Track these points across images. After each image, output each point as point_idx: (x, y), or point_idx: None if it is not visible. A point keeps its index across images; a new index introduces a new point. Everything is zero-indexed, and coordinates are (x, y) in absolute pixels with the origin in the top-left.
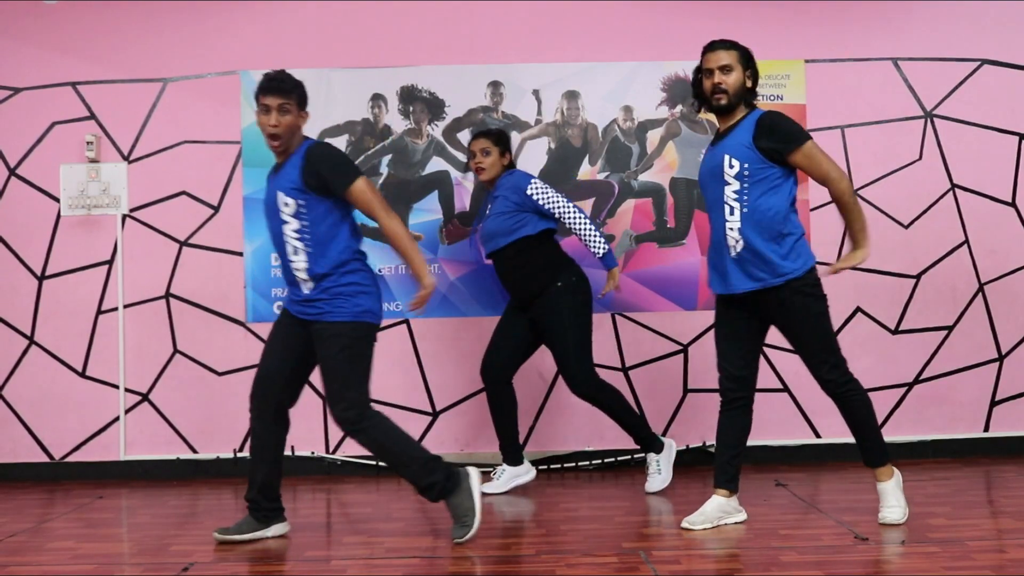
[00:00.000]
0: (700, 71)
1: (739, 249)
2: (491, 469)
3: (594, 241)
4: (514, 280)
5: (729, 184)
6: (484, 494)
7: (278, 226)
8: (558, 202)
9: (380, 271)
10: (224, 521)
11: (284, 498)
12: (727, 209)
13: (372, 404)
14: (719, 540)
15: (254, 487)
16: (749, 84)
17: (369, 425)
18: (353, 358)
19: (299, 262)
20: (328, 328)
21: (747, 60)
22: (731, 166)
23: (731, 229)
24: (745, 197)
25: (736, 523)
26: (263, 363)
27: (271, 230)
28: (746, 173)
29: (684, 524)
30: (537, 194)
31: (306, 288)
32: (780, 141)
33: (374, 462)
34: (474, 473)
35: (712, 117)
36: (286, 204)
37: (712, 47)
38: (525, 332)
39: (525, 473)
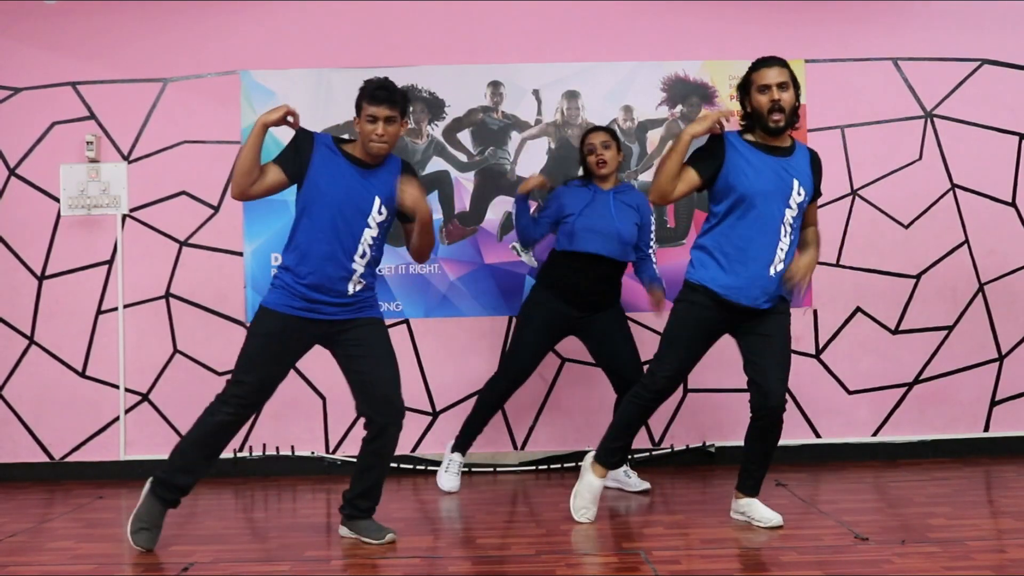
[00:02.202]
0: (746, 87)
1: (779, 269)
2: (491, 468)
3: (653, 263)
4: (601, 289)
5: (791, 209)
6: (449, 492)
7: (360, 226)
8: (651, 240)
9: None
10: (225, 521)
11: (283, 498)
12: (783, 231)
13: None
14: (719, 540)
15: (193, 476)
16: (797, 104)
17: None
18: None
19: (361, 264)
20: (379, 324)
21: (795, 80)
22: (799, 193)
23: (781, 250)
24: (796, 225)
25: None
26: (260, 373)
27: (342, 226)
28: (803, 204)
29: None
30: (648, 227)
31: (353, 288)
32: (818, 186)
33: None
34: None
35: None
36: (380, 212)
37: (768, 63)
38: (556, 341)
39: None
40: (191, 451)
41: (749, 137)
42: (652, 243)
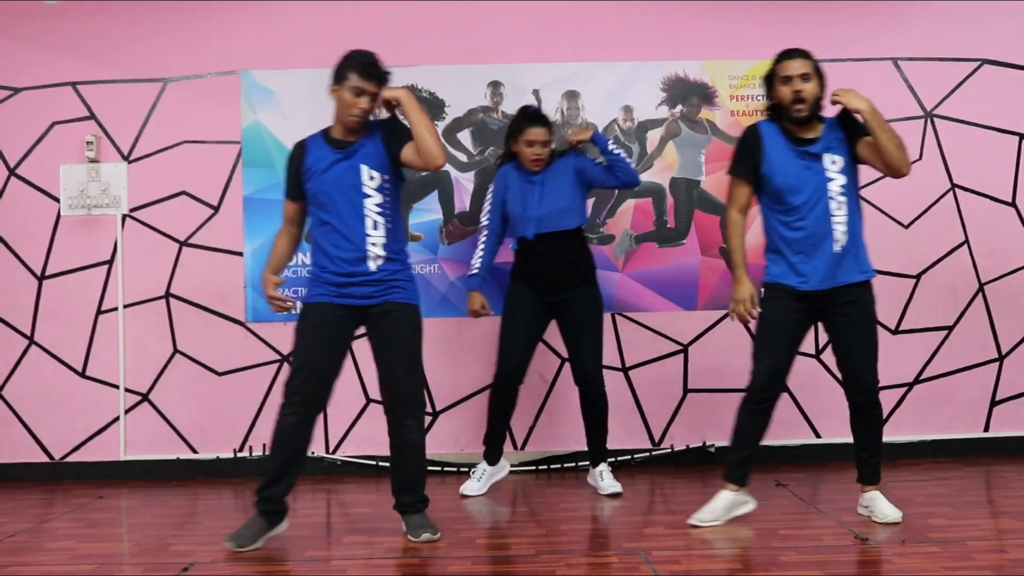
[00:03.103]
0: (771, 79)
1: (844, 243)
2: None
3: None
4: (561, 266)
5: (833, 179)
6: (464, 496)
7: (359, 200)
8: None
9: None
10: (225, 521)
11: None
12: (833, 204)
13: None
14: (719, 540)
15: (281, 485)
16: (820, 95)
17: (424, 416)
18: (421, 344)
19: (377, 237)
20: (405, 309)
21: (819, 71)
22: (834, 162)
23: (838, 222)
24: (849, 191)
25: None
26: (312, 361)
27: (344, 208)
28: (846, 167)
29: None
30: (592, 162)
31: (374, 264)
32: (851, 132)
33: (374, 462)
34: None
35: (714, 117)
36: (371, 177)
37: (791, 55)
38: (540, 330)
39: (501, 470)
40: (271, 461)
41: (779, 126)
42: (603, 158)
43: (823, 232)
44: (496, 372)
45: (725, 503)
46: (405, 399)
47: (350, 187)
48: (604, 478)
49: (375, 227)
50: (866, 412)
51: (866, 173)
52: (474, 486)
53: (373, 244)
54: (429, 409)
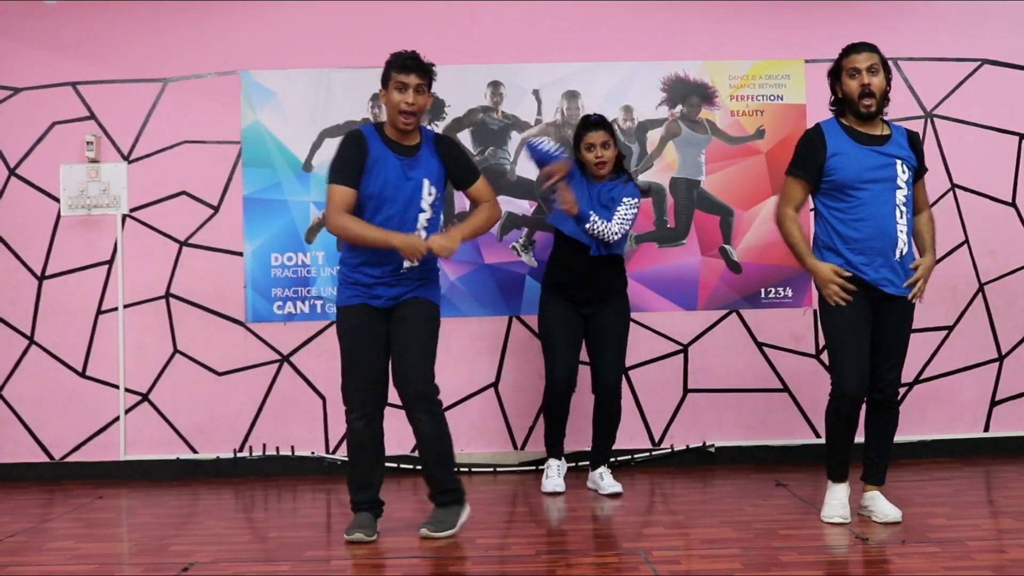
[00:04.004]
0: (837, 72)
1: (904, 252)
2: (491, 468)
3: (600, 219)
4: (602, 285)
5: (900, 189)
6: (554, 493)
7: (415, 214)
8: (625, 217)
9: None
10: (225, 521)
11: (283, 498)
12: (898, 212)
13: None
14: (719, 540)
15: (370, 491)
16: (887, 88)
17: (440, 409)
18: (435, 339)
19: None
20: (425, 304)
21: (886, 64)
22: (903, 171)
23: (902, 231)
24: (909, 207)
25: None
26: (363, 366)
27: (399, 212)
28: (909, 183)
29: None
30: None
31: (408, 264)
32: (921, 161)
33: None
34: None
35: (714, 117)
36: (430, 193)
37: (858, 48)
38: (581, 338)
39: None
40: (352, 470)
41: (843, 122)
42: (594, 220)
43: (888, 234)
44: (549, 382)
45: (840, 496)
46: (411, 387)
47: (410, 199)
48: (604, 478)
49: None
50: (879, 412)
51: None
52: (556, 481)
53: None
54: None
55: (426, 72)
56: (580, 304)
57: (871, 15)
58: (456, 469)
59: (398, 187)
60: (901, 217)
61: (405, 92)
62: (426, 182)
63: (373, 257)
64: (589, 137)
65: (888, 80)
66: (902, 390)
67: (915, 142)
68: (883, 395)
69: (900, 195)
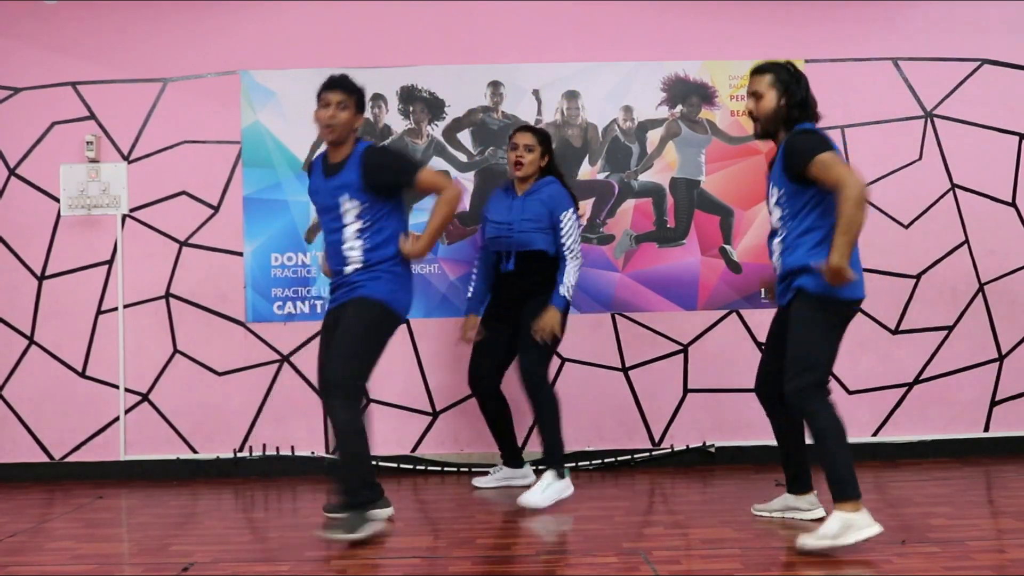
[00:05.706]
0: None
1: (775, 260)
2: (488, 470)
3: (567, 282)
4: (518, 282)
5: (775, 211)
6: (476, 488)
7: (338, 224)
8: (572, 246)
9: None
10: (225, 521)
11: (283, 498)
12: (779, 227)
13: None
14: (719, 540)
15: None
16: (784, 109)
17: (355, 409)
18: (369, 337)
19: (356, 250)
20: (356, 302)
21: (783, 83)
22: (772, 194)
23: (778, 243)
24: (787, 217)
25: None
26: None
27: (326, 224)
28: (781, 200)
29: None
30: (564, 227)
31: (351, 268)
32: (789, 168)
33: (373, 462)
34: (386, 512)
35: (714, 117)
36: (351, 206)
37: (751, 71)
38: (507, 340)
39: (521, 477)
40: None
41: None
42: (566, 246)
43: (770, 249)
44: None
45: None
46: (324, 374)
47: (332, 213)
48: (539, 482)
49: (352, 249)
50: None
51: (866, 172)
52: (483, 479)
53: (351, 254)
54: (428, 409)
55: (348, 90)
56: (501, 304)
57: (871, 15)
58: (360, 476)
59: (323, 201)
60: (777, 236)
61: (327, 108)
62: (344, 195)
63: (333, 273)
64: (516, 136)
65: (786, 100)
66: (901, 390)
67: (784, 152)
68: (788, 398)
69: (776, 214)
